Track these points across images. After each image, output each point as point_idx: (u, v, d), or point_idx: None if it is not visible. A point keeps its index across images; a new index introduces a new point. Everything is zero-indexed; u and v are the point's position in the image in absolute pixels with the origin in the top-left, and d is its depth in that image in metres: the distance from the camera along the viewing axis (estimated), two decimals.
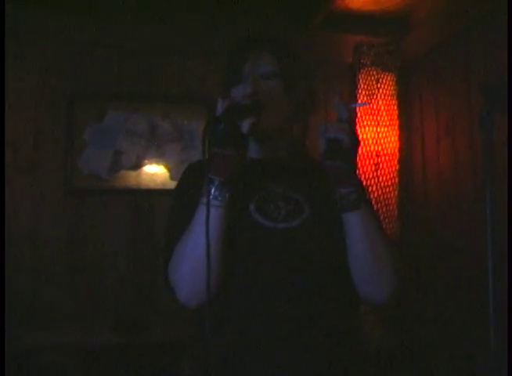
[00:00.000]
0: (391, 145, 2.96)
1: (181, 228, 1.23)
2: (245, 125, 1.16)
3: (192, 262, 1.19)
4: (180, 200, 1.36)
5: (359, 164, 2.91)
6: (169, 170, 3.12)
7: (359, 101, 3.00)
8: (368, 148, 2.94)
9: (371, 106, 2.97)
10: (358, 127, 2.97)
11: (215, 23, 3.12)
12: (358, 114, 2.98)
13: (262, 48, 1.37)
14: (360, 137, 2.93)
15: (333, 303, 1.29)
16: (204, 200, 1.15)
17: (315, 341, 1.24)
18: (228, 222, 1.22)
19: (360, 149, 2.89)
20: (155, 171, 3.11)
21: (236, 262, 1.23)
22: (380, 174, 2.90)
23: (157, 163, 3.11)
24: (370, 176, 2.90)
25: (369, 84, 2.99)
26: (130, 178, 3.08)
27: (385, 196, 2.91)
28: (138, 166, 3.09)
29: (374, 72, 2.99)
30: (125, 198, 3.07)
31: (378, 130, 2.94)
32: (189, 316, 2.99)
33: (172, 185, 3.09)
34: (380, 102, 2.97)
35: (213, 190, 1.17)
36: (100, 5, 2.96)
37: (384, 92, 2.98)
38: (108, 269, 3.02)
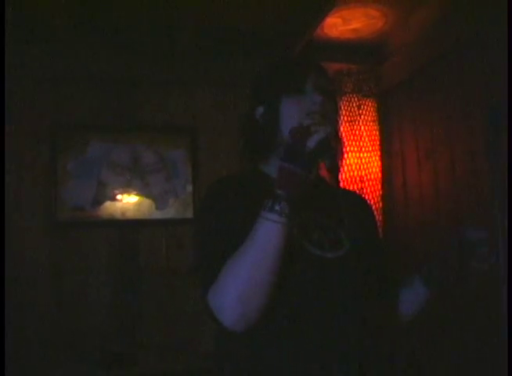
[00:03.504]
0: (374, 170, 2.99)
1: (226, 245, 1.16)
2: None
3: (250, 282, 1.11)
4: (217, 217, 1.26)
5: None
6: (154, 200, 3.11)
7: (341, 128, 3.03)
8: (352, 173, 2.97)
9: (353, 132, 3.00)
10: None
11: (196, 55, 3.15)
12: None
13: (320, 67, 1.37)
14: (344, 163, 3.00)
15: (374, 332, 1.30)
16: (270, 216, 1.11)
17: (360, 368, 1.22)
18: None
19: (344, 174, 2.94)
20: (140, 202, 3.09)
21: (285, 286, 1.18)
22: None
23: (142, 193, 3.10)
24: None
25: (350, 111, 3.03)
26: (115, 209, 3.06)
27: None
28: (122, 197, 3.08)
29: (355, 99, 3.04)
30: (110, 229, 3.06)
31: (361, 156, 2.98)
32: (176, 348, 2.97)
33: (157, 214, 3.10)
34: (362, 128, 3.01)
35: (283, 206, 1.11)
36: (80, 36, 2.97)
37: (366, 117, 3.03)
38: (94, 303, 2.98)
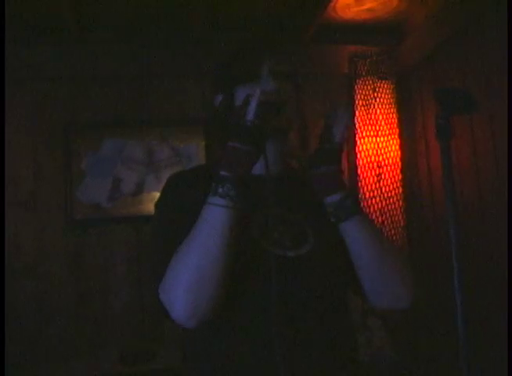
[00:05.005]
0: (392, 154, 2.88)
1: (176, 241, 1.10)
2: (268, 122, 1.10)
3: (197, 271, 1.05)
4: (169, 213, 1.24)
5: (361, 176, 2.84)
6: None
7: (357, 112, 2.93)
8: (369, 159, 2.87)
9: (369, 116, 2.90)
10: (357, 138, 2.91)
11: (205, 45, 3.10)
12: (357, 125, 2.92)
13: (277, 49, 1.32)
14: (360, 148, 2.90)
15: (341, 331, 1.23)
16: (215, 200, 1.06)
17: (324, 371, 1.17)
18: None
19: (361, 160, 2.85)
20: (155, 197, 3.06)
21: (240, 286, 1.14)
22: (383, 184, 2.82)
23: (157, 188, 3.09)
24: (373, 188, 2.82)
25: (365, 94, 2.92)
26: (130, 204, 3.05)
27: (390, 207, 2.83)
28: (138, 192, 3.07)
29: (370, 81, 2.93)
30: (127, 225, 3.04)
31: (378, 140, 2.87)
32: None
33: None
34: (379, 111, 2.90)
35: (226, 189, 1.05)
36: (90, 34, 2.97)
37: (382, 100, 2.91)
38: (113, 298, 2.98)
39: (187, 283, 1.05)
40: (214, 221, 1.07)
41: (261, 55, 1.28)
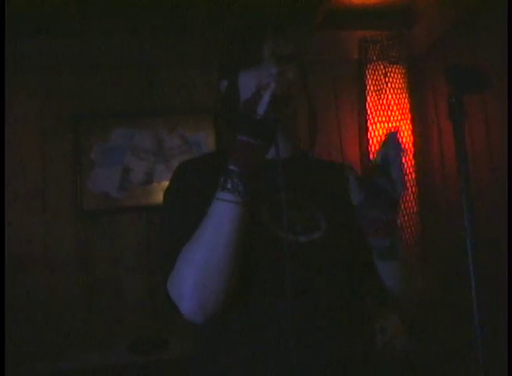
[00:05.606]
0: (404, 140, 2.83)
1: (185, 232, 1.08)
2: (279, 115, 1.06)
3: (206, 268, 1.04)
4: (178, 202, 1.21)
5: None
6: None
7: (368, 98, 2.88)
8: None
9: (381, 101, 2.85)
10: (369, 124, 2.86)
11: (213, 33, 3.06)
12: (369, 111, 2.88)
13: (278, 31, 1.26)
14: (372, 134, 2.86)
15: (355, 318, 1.20)
16: (223, 195, 1.03)
17: (340, 356, 1.14)
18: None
19: (373, 146, 2.80)
20: (165, 186, 3.04)
21: (252, 273, 1.11)
22: None
23: (167, 177, 3.05)
24: None
25: (377, 80, 2.88)
26: (140, 194, 3.04)
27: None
28: (147, 182, 3.05)
29: (381, 66, 2.88)
30: (137, 215, 3.03)
31: (390, 126, 2.83)
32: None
33: None
34: (390, 96, 2.85)
35: (236, 184, 1.02)
36: (96, 23, 2.93)
37: (394, 85, 2.86)
38: (124, 289, 2.98)
39: (193, 280, 1.04)
40: (222, 217, 1.04)
41: (263, 38, 1.23)
